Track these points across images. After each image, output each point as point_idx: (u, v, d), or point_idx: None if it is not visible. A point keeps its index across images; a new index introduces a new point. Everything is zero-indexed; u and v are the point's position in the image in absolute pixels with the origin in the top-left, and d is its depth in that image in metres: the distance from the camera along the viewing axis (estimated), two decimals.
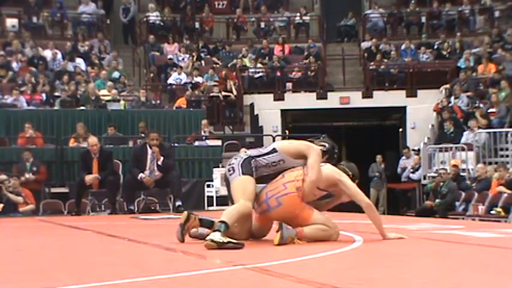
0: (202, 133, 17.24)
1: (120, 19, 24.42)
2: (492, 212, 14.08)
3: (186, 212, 6.07)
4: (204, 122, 17.48)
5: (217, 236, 5.52)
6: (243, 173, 5.96)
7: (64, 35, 23.54)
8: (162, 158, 12.29)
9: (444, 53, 22.64)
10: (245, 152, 6.44)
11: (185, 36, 23.63)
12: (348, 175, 6.09)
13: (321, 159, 6.02)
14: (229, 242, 5.50)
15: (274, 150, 6.12)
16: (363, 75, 22.95)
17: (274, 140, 18.79)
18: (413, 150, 19.23)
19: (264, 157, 6.08)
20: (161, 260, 5.14)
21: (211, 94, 20.35)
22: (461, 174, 16.62)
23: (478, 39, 22.60)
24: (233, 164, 6.07)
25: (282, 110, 21.53)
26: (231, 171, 6.02)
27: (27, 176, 14.38)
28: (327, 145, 6.22)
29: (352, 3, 25.47)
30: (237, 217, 5.84)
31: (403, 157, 19.17)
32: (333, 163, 6.18)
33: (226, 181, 6.27)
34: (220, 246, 5.47)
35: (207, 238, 5.58)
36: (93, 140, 12.85)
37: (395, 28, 24.66)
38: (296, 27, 24.75)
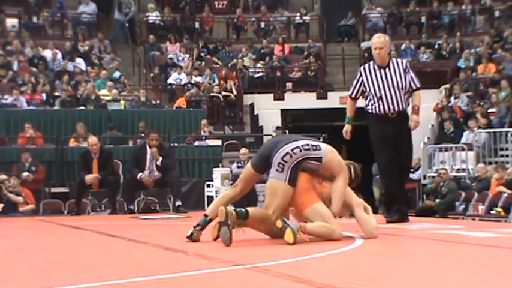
0: (202, 133, 17.25)
1: (120, 19, 24.41)
2: (492, 212, 14.08)
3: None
4: (204, 121, 17.48)
5: (232, 215, 5.62)
6: (289, 181, 5.86)
7: (64, 35, 23.54)
8: (160, 158, 12.28)
9: (444, 53, 22.64)
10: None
11: (185, 36, 23.64)
12: (352, 174, 6.19)
13: (346, 186, 6.03)
14: (228, 231, 5.56)
15: (320, 159, 5.97)
16: None
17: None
18: None
19: (310, 161, 5.96)
20: (161, 260, 5.14)
21: (211, 94, 20.36)
22: (457, 174, 16.63)
23: (478, 39, 22.60)
24: (286, 161, 5.87)
25: (282, 110, 21.53)
26: (280, 170, 5.86)
27: (24, 174, 14.36)
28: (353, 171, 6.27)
29: (352, 3, 25.47)
30: (259, 220, 5.92)
31: None
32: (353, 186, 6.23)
33: (265, 164, 6.00)
34: (223, 221, 5.61)
35: (231, 207, 5.67)
36: (93, 139, 12.85)
37: (395, 28, 24.66)
38: (296, 27, 24.76)
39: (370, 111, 8.14)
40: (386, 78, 8.02)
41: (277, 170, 5.87)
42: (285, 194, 5.87)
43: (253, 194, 13.72)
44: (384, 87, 8.00)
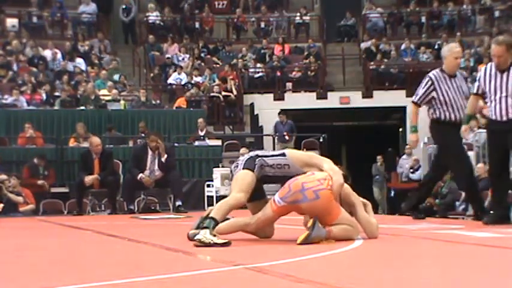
0: (199, 132, 17.23)
1: (120, 19, 24.42)
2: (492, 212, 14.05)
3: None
4: (200, 120, 17.43)
5: (206, 236, 5.60)
6: (243, 168, 6.07)
7: (64, 35, 23.55)
8: (166, 156, 12.24)
9: None
10: (248, 151, 6.58)
11: (185, 36, 23.64)
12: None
13: (335, 167, 6.06)
14: (215, 243, 5.55)
15: (283, 154, 6.18)
16: (363, 75, 22.96)
17: (274, 140, 18.88)
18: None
19: (271, 158, 6.14)
20: (161, 260, 5.14)
21: (211, 94, 20.37)
22: None
23: (478, 39, 22.60)
24: (238, 161, 6.23)
25: (282, 110, 21.51)
26: (235, 168, 6.16)
27: (40, 182, 14.46)
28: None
29: (352, 3, 25.49)
30: (227, 211, 5.97)
31: (404, 156, 19.09)
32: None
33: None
34: (207, 245, 5.56)
35: (196, 238, 5.64)
36: (96, 140, 12.79)
37: (395, 28, 24.68)
38: (296, 27, 24.77)
39: (438, 118, 8.38)
40: (457, 87, 8.33)
41: (235, 172, 6.13)
42: (242, 176, 6.03)
43: None
44: (455, 96, 8.30)
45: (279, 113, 19.76)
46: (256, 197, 6.13)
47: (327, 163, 6.06)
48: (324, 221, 5.85)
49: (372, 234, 6.10)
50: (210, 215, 5.84)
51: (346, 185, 6.08)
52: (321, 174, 5.92)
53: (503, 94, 7.65)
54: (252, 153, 6.26)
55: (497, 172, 7.90)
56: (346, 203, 6.08)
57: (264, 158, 6.12)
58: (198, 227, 5.83)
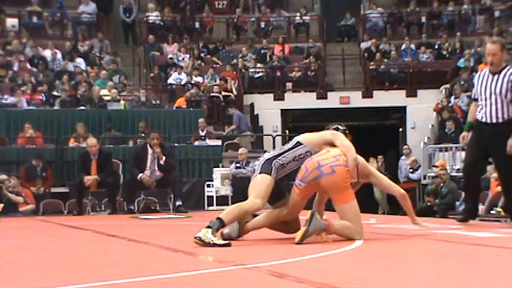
0: (200, 132, 17.24)
1: (120, 19, 24.40)
2: (492, 212, 14.06)
3: None
4: (201, 120, 17.43)
5: (207, 236, 5.59)
6: (260, 172, 6.04)
7: (64, 35, 23.54)
8: (164, 158, 12.24)
9: (444, 53, 22.65)
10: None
11: (185, 36, 23.64)
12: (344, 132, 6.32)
13: (349, 142, 6.13)
14: (215, 244, 5.55)
15: (298, 143, 6.16)
16: (363, 75, 22.95)
17: (274, 140, 18.87)
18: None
19: (289, 152, 6.11)
20: (161, 260, 5.14)
21: (211, 94, 20.37)
22: (457, 174, 16.62)
23: (478, 39, 22.59)
24: (255, 165, 6.19)
25: (282, 110, 21.54)
26: (253, 174, 6.13)
27: (34, 189, 14.44)
28: (340, 127, 6.39)
29: (351, 3, 25.48)
30: (239, 216, 5.93)
31: (403, 157, 19.09)
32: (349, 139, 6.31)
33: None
34: (207, 245, 5.56)
35: (196, 235, 5.64)
36: (92, 141, 12.79)
37: (395, 28, 24.67)
38: (296, 27, 24.76)
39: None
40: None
41: (252, 177, 6.11)
42: (259, 180, 5.99)
43: None
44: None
45: (229, 107, 19.75)
46: (278, 198, 6.13)
47: (339, 139, 6.12)
48: (337, 198, 5.95)
49: (396, 191, 6.44)
50: (219, 216, 5.82)
51: (359, 157, 6.17)
52: (336, 151, 6.04)
53: (493, 97, 7.63)
54: (268, 155, 6.19)
55: (472, 171, 7.96)
56: (363, 174, 6.18)
57: (284, 156, 6.08)
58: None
